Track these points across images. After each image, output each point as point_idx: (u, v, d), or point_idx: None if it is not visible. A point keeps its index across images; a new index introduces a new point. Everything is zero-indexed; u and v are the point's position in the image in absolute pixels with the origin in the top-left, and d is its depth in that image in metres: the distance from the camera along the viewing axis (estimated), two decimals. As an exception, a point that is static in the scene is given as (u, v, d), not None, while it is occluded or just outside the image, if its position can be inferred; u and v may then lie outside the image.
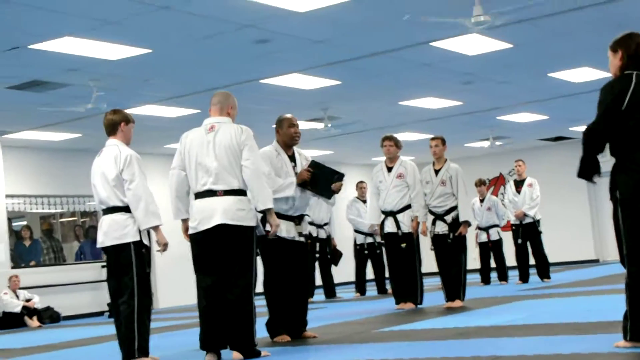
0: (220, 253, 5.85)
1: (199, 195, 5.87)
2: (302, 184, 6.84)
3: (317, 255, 13.26)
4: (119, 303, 5.95)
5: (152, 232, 6.06)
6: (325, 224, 13.27)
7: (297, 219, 6.92)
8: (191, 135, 6.02)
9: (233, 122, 6.03)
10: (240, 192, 5.86)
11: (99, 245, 6.12)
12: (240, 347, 5.75)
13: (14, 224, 15.45)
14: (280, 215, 6.63)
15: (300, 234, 6.90)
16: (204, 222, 5.79)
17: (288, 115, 7.09)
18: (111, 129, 6.24)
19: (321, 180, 6.91)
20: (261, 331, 6.34)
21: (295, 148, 7.09)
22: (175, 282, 16.03)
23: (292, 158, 6.98)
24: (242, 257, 5.83)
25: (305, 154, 7.17)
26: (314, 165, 6.98)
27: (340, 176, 6.99)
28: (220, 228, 5.76)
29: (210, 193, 5.81)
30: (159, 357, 6.05)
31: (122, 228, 5.93)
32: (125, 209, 5.97)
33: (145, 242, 6.01)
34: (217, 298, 5.80)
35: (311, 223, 13.20)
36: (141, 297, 5.88)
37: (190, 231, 5.89)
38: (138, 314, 5.81)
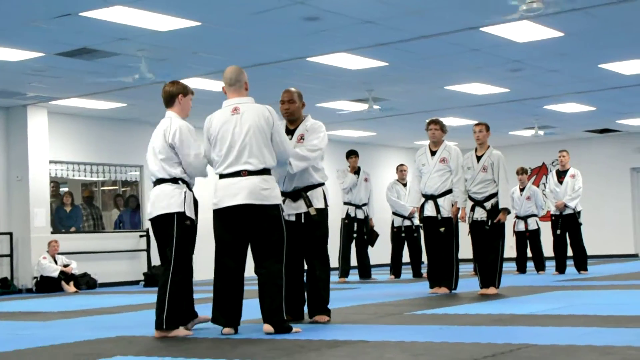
0: (244, 232, 5.90)
1: (223, 176, 5.91)
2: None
3: (355, 235, 13.27)
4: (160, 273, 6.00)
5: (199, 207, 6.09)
6: (364, 205, 13.26)
7: (292, 196, 6.56)
8: (215, 118, 6.02)
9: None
10: (265, 172, 5.87)
11: (147, 217, 6.16)
12: (271, 320, 5.79)
13: (59, 189, 15.64)
14: None
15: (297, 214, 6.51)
16: (226, 200, 5.83)
17: (284, 92, 6.74)
18: (168, 101, 6.23)
19: None
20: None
21: (306, 121, 6.63)
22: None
23: (292, 132, 6.61)
24: (271, 234, 5.86)
25: (311, 124, 6.59)
26: None
27: None
28: (245, 208, 5.79)
29: (235, 174, 5.84)
30: (192, 332, 6.06)
31: (168, 198, 5.96)
32: (173, 180, 6.01)
33: (190, 214, 6.01)
34: (237, 277, 5.92)
35: (349, 203, 13.22)
36: (177, 270, 5.88)
37: (213, 207, 5.93)
38: (171, 286, 5.84)
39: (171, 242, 5.91)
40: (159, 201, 5.99)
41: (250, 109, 5.96)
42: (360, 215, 13.26)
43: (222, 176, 5.95)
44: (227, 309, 5.94)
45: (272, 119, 5.98)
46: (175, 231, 5.91)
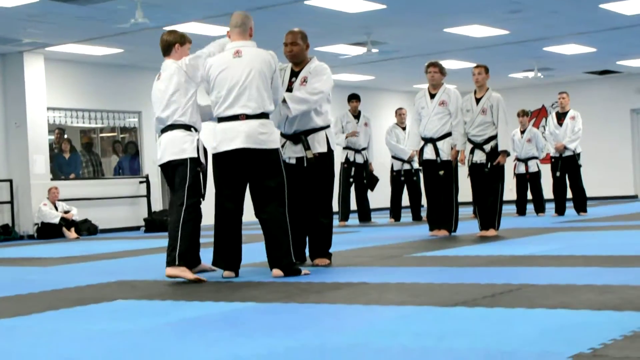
0: (242, 176, 5.91)
1: (222, 119, 5.91)
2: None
3: (352, 180, 13.27)
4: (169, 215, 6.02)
5: (209, 153, 6.09)
6: (363, 149, 13.24)
7: (293, 139, 6.52)
8: (216, 60, 5.98)
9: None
10: (263, 116, 5.86)
11: (158, 163, 6.16)
12: (280, 264, 5.82)
13: (63, 135, 15.59)
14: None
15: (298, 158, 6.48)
16: (225, 144, 5.83)
17: (287, 33, 6.63)
18: (166, 50, 6.21)
19: None
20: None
21: (311, 63, 6.55)
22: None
23: (296, 74, 6.54)
24: (270, 178, 5.87)
25: (315, 66, 6.51)
26: None
27: None
28: (244, 152, 5.80)
29: (233, 117, 5.83)
30: (205, 279, 6.04)
31: (181, 144, 5.96)
32: (184, 126, 6.00)
33: (202, 161, 6.02)
34: (236, 220, 5.95)
35: (348, 147, 13.20)
36: (189, 212, 5.88)
37: (212, 152, 5.93)
38: (183, 225, 5.84)
39: (184, 185, 5.91)
40: (171, 147, 5.99)
41: (252, 53, 5.93)
42: (359, 159, 13.24)
43: (220, 119, 5.93)
44: (227, 253, 5.97)
45: (274, 65, 5.95)
46: (188, 175, 5.92)
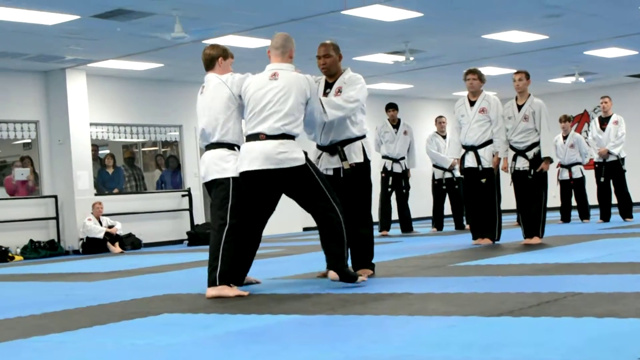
0: (265, 195, 5.94)
1: (247, 138, 5.91)
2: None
3: (390, 189, 13.22)
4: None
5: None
6: (401, 158, 13.20)
7: (330, 150, 6.53)
8: (254, 80, 5.98)
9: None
10: (284, 137, 5.80)
11: (202, 180, 6.20)
12: (337, 269, 5.83)
13: (98, 152, 15.80)
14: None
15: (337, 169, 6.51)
16: (245, 164, 5.83)
17: (319, 46, 6.64)
18: (209, 64, 6.22)
19: None
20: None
21: (345, 74, 6.55)
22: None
23: (331, 85, 6.56)
24: (308, 190, 5.85)
25: (349, 76, 6.50)
26: None
27: None
28: (265, 173, 5.78)
29: (255, 137, 5.82)
30: (247, 292, 6.06)
31: (223, 163, 5.99)
32: (227, 145, 6.03)
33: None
34: (242, 236, 5.99)
35: (386, 157, 13.17)
36: (231, 232, 5.86)
37: (238, 170, 5.94)
38: (225, 244, 5.84)
39: (226, 204, 5.93)
40: (214, 165, 6.01)
41: (288, 76, 5.90)
42: (397, 169, 13.20)
43: (247, 138, 5.94)
44: (234, 269, 6.00)
45: (310, 90, 5.92)
46: (230, 195, 5.94)
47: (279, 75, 5.89)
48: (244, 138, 5.99)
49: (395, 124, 13.22)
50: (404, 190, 13.34)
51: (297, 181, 5.84)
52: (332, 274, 5.83)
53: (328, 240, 5.91)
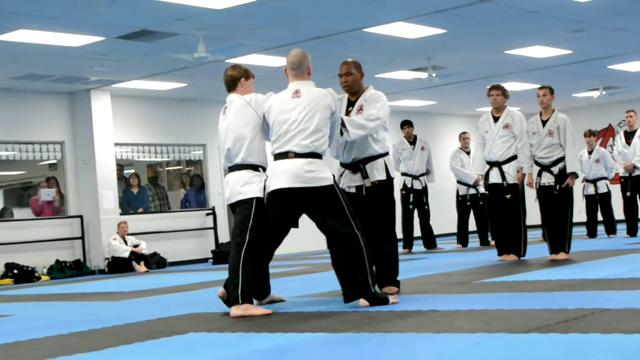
0: (291, 214, 5.92)
1: (275, 157, 5.91)
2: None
3: (410, 206, 13.19)
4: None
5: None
6: (421, 175, 13.17)
7: (352, 168, 6.54)
8: (277, 99, 5.97)
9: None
10: (313, 155, 5.77)
11: (227, 202, 6.23)
12: (365, 295, 5.73)
13: (123, 171, 15.91)
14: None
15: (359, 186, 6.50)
16: (273, 182, 5.82)
17: (341, 64, 6.67)
18: (231, 85, 6.24)
19: None
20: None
21: (367, 92, 6.56)
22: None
23: (353, 103, 6.57)
24: (332, 211, 5.77)
25: (370, 94, 6.51)
26: None
27: None
28: (292, 192, 5.76)
29: (283, 155, 5.80)
30: (271, 310, 6.06)
31: (247, 185, 6.00)
32: (251, 167, 6.04)
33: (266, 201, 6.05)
34: (260, 253, 6.01)
35: (405, 174, 13.15)
36: (249, 250, 5.88)
37: (268, 190, 5.94)
38: (244, 261, 5.84)
39: (246, 224, 5.93)
40: (239, 187, 6.03)
41: (311, 92, 5.89)
42: (417, 186, 13.18)
43: (275, 157, 5.95)
44: (254, 285, 6.04)
45: (334, 104, 5.91)
46: (252, 215, 5.94)
47: (302, 93, 5.89)
48: (272, 157, 6.00)
49: (412, 141, 13.22)
50: (426, 207, 13.31)
51: (322, 201, 5.80)
52: (362, 302, 5.74)
53: (347, 269, 5.77)
